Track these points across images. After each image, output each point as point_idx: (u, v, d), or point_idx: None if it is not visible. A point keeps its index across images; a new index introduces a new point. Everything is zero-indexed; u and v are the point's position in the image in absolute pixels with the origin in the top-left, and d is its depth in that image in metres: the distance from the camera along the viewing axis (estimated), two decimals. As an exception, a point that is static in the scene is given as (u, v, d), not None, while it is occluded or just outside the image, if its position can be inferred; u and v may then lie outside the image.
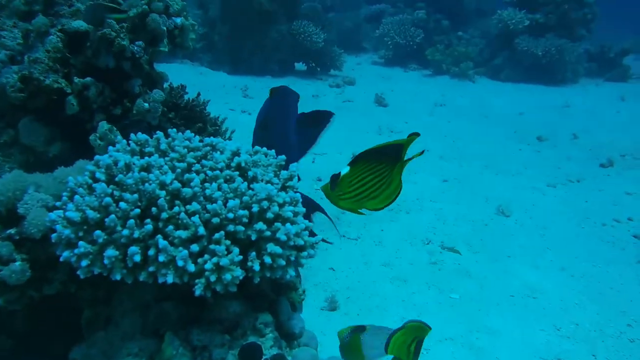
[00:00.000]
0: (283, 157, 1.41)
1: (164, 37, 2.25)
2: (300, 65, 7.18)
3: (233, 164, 1.32)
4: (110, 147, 1.34)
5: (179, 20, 2.30)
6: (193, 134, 1.40)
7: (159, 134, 1.38)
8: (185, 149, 1.33)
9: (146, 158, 1.27)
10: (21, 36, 2.15)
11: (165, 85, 2.52)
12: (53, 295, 1.31)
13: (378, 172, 1.28)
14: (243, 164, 1.31)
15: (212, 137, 1.41)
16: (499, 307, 2.17)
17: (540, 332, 2.02)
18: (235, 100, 5.23)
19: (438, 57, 7.61)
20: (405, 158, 1.29)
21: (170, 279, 1.15)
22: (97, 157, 1.28)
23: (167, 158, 1.32)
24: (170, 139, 1.39)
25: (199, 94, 2.83)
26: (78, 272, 1.15)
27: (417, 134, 1.26)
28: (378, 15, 9.87)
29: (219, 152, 1.36)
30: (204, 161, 1.32)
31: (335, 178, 1.26)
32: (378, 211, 1.35)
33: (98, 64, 2.14)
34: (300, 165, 3.82)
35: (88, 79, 2.11)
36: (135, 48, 2.18)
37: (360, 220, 2.89)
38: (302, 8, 7.15)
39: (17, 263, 1.18)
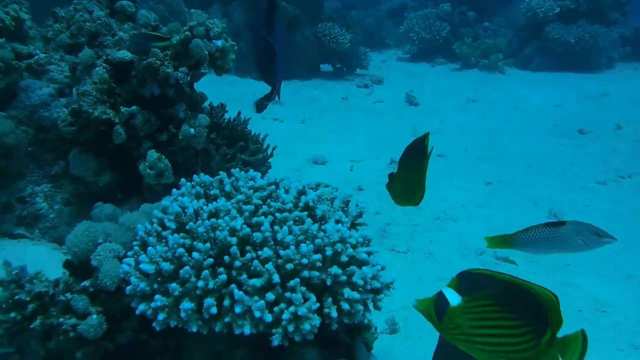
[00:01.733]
0: (349, 192, 1.37)
1: (205, 61, 2.22)
2: (326, 67, 7.12)
3: (301, 204, 1.28)
4: (175, 191, 1.32)
5: (219, 42, 2.27)
6: (256, 173, 1.36)
7: (222, 174, 1.35)
8: (251, 190, 1.30)
9: (214, 203, 1.24)
10: (68, 69, 2.15)
11: (205, 104, 2.51)
12: (125, 343, 1.30)
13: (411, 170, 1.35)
14: (311, 203, 1.27)
15: (274, 175, 1.37)
16: (567, 325, 2.08)
17: (618, 353, 1.92)
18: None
19: (466, 51, 7.45)
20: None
21: (247, 330, 1.12)
22: (163, 202, 1.26)
23: (232, 200, 1.29)
24: (233, 178, 1.36)
25: (239, 113, 2.81)
26: (154, 325, 1.14)
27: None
28: (400, 10, 9.75)
29: (283, 191, 1.33)
30: (270, 202, 1.29)
31: (392, 176, 1.36)
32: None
33: (144, 93, 2.13)
34: (339, 172, 3.66)
35: (134, 107, 2.10)
36: (179, 74, 2.17)
37: (407, 232, 2.84)
38: (325, 8, 7.09)
39: (94, 316, 1.16)
